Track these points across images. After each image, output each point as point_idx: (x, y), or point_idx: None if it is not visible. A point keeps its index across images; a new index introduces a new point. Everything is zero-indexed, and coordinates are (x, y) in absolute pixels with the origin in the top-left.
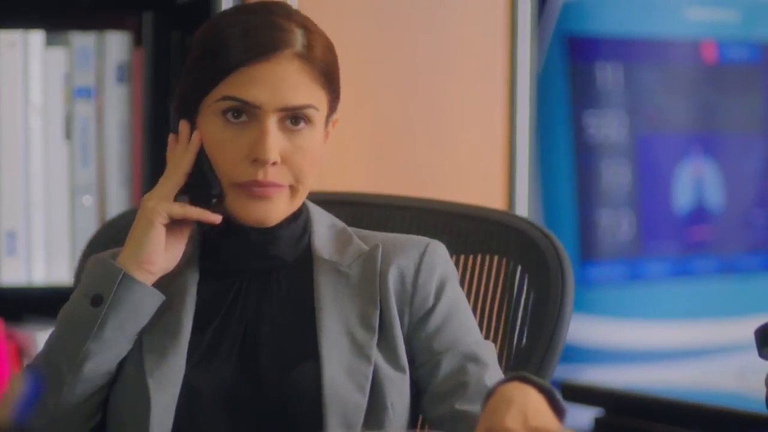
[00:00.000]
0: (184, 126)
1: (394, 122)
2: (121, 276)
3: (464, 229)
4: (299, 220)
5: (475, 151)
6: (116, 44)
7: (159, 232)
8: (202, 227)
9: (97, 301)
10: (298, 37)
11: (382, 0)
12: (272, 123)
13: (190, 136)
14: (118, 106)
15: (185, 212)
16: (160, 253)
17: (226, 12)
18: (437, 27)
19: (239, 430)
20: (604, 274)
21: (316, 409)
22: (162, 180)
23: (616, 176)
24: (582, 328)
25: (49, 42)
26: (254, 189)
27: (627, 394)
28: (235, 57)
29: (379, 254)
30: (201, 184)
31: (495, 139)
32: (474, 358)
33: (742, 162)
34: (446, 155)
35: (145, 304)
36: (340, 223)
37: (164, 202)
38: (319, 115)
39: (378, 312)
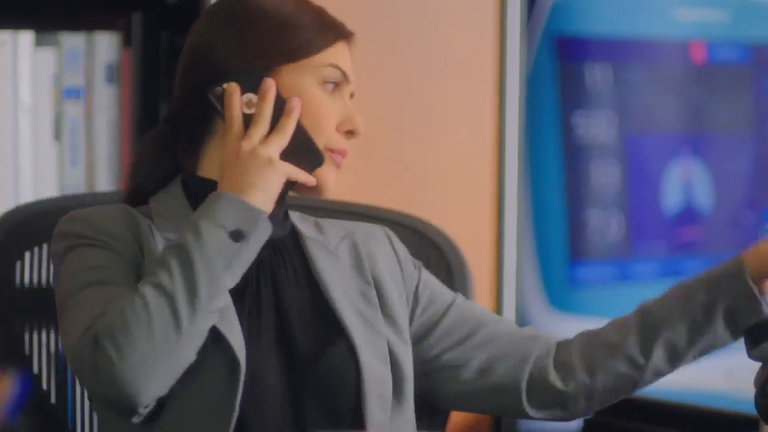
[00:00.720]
0: (272, 84)
1: (383, 122)
2: (260, 216)
3: None
4: (284, 199)
5: (464, 152)
6: (105, 45)
7: (279, 189)
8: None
9: (237, 236)
10: None
11: (370, 0)
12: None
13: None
14: (107, 107)
15: (298, 176)
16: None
17: None
18: (426, 27)
19: (291, 410)
20: (592, 274)
21: (357, 385)
22: (271, 139)
23: (605, 176)
24: (571, 329)
25: (39, 42)
26: (338, 157)
27: None
28: (336, 31)
29: (359, 238)
30: (307, 149)
31: (484, 139)
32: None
33: (731, 162)
34: (436, 155)
35: (261, 246)
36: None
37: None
38: None
39: (374, 290)
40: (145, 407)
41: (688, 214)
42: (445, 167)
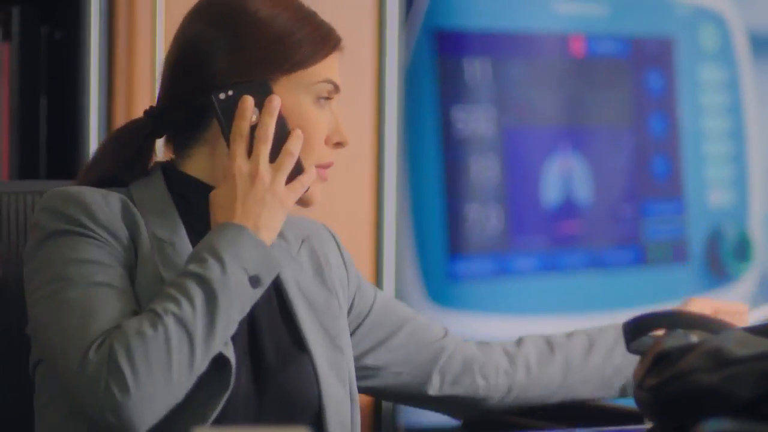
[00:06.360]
0: (278, 102)
1: None
2: (278, 267)
3: None
4: None
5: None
6: None
7: None
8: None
9: (255, 282)
10: None
11: None
12: None
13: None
14: None
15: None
16: None
17: None
18: None
19: (248, 419)
20: (472, 268)
21: (318, 411)
22: (281, 166)
23: (484, 170)
24: (450, 324)
25: None
26: (325, 171)
27: None
28: (329, 42)
29: (315, 242)
30: (295, 169)
31: (363, 133)
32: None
33: (610, 156)
34: None
35: None
36: None
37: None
38: None
39: (336, 300)
40: None
41: (568, 208)
42: None
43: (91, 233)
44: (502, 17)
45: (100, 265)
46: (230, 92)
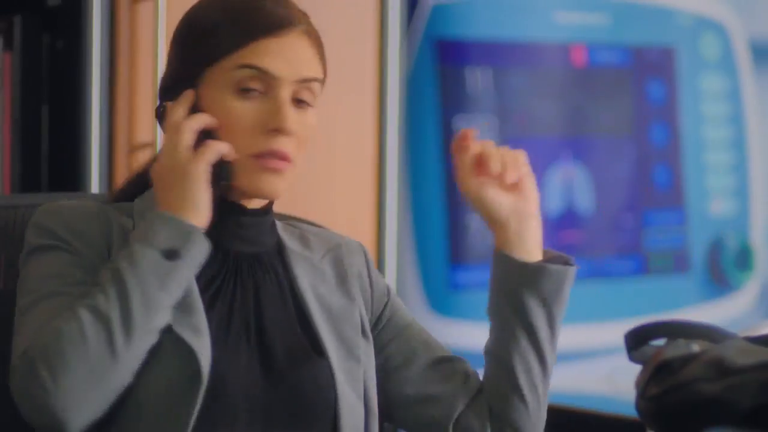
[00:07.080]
0: (185, 95)
1: None
2: (197, 234)
3: None
4: (269, 210)
5: (344, 155)
6: None
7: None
8: None
9: (171, 255)
10: (302, 17)
11: None
12: (287, 96)
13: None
14: None
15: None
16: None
17: None
18: None
19: (255, 421)
20: (473, 278)
21: (334, 414)
22: (168, 143)
23: None
24: (451, 333)
25: None
26: (270, 161)
27: None
28: (251, 29)
29: (344, 252)
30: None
31: (365, 142)
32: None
33: (611, 166)
34: (315, 158)
35: (201, 261)
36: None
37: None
38: (317, 95)
39: (357, 309)
40: None
41: (569, 218)
42: (326, 170)
43: (60, 242)
44: (504, 27)
45: (60, 276)
46: (167, 103)
